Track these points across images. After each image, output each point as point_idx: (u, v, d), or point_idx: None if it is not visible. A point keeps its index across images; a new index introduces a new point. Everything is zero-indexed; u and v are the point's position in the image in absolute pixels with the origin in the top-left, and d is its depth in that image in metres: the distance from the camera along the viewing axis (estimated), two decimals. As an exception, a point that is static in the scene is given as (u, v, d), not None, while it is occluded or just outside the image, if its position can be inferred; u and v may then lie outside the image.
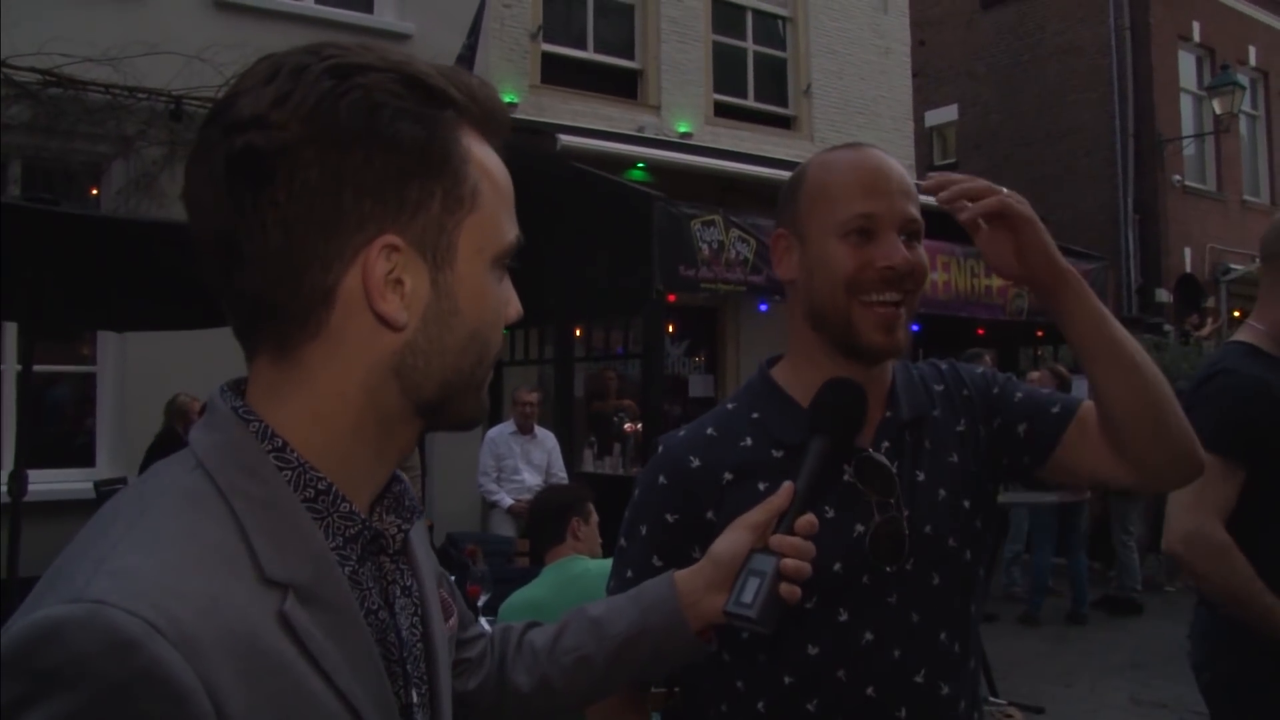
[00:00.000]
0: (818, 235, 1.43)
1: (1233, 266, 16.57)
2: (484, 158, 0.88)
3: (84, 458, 7.44)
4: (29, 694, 0.66)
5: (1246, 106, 16.72)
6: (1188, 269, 16.27)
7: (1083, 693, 6.28)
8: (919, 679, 1.41)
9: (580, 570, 3.21)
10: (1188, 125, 16.64)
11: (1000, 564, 8.43)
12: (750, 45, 11.46)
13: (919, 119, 14.47)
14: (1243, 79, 15.87)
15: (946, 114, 17.88)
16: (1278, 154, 18.38)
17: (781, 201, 1.52)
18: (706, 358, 10.84)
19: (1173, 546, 2.22)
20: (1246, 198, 17.69)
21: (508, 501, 7.26)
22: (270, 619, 0.75)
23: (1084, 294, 1.38)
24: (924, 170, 15.27)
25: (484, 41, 8.36)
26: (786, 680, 1.41)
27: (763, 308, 9.10)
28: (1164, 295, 15.70)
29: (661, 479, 1.47)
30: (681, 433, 1.54)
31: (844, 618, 1.40)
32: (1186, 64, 16.85)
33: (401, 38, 8.26)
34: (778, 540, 1.14)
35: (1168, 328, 14.00)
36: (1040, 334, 11.08)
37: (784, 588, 1.11)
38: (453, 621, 1.06)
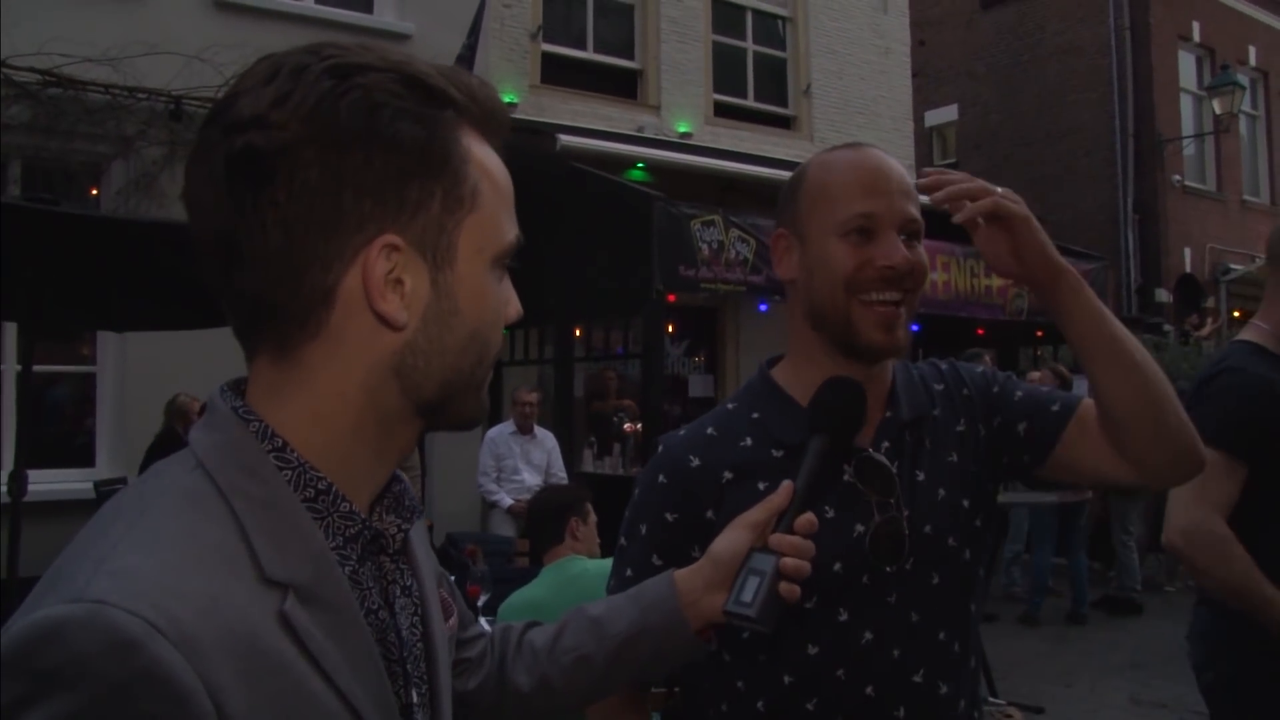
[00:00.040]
0: (818, 235, 1.43)
1: (1233, 266, 16.57)
2: (484, 158, 0.88)
3: (84, 458, 7.45)
4: (29, 694, 0.66)
5: (1246, 106, 16.72)
6: (1187, 269, 16.27)
7: (1082, 693, 6.28)
8: (918, 678, 1.41)
9: (579, 570, 3.21)
10: (1188, 125, 16.64)
11: (1000, 564, 8.43)
12: (750, 45, 11.46)
13: (919, 119, 14.48)
14: (1243, 79, 15.86)
15: (946, 114, 17.88)
16: (1278, 154, 18.37)
17: (782, 201, 1.52)
18: (706, 358, 10.84)
19: (1172, 540, 2.22)
20: (1246, 198, 17.69)
21: (507, 501, 7.26)
22: (270, 619, 0.75)
23: (1082, 292, 1.38)
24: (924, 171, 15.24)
25: (484, 41, 8.36)
26: (786, 680, 1.41)
27: (762, 308, 9.10)
28: (1164, 295, 15.70)
29: (661, 478, 1.48)
30: (682, 432, 1.54)
31: (844, 617, 1.40)
32: (1186, 64, 16.85)
33: (401, 38, 8.26)
34: (777, 539, 1.14)
35: (1167, 328, 14.00)
36: (1040, 334, 11.09)
37: (783, 586, 1.11)
38: (453, 621, 1.06)
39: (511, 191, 0.92)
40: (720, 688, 1.46)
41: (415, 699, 0.90)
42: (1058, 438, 1.48)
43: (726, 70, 11.13)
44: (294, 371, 0.83)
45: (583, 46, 10.33)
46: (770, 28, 11.70)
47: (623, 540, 1.51)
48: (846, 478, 1.42)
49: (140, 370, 7.02)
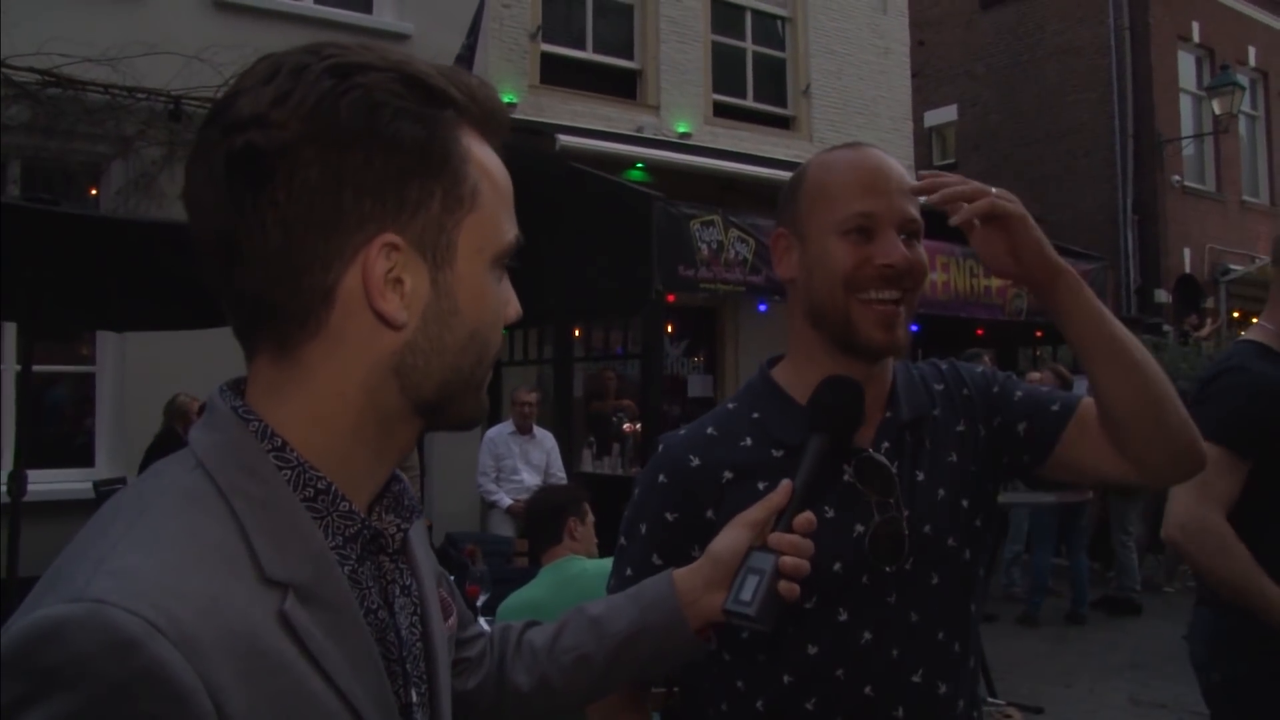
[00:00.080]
0: (817, 234, 1.44)
1: (1232, 267, 16.58)
2: (484, 157, 0.88)
3: (83, 458, 7.45)
4: (29, 693, 0.66)
5: (1246, 107, 16.72)
6: (1187, 269, 16.27)
7: (1082, 693, 6.28)
8: (917, 678, 1.41)
9: (577, 570, 3.20)
10: (1187, 125, 16.64)
11: (1000, 564, 8.44)
12: (749, 45, 11.46)
13: (918, 119, 14.48)
14: (1242, 79, 15.86)
15: (946, 114, 17.88)
16: (1277, 154, 18.37)
17: (782, 201, 1.52)
18: (705, 358, 10.84)
19: (1172, 534, 2.23)
20: (1246, 198, 17.69)
21: (506, 501, 7.26)
22: (270, 619, 0.75)
23: (1080, 291, 1.38)
24: (923, 171, 15.25)
25: (483, 41, 8.36)
26: (785, 679, 1.41)
27: (762, 308, 9.10)
28: (1163, 296, 15.70)
29: (661, 478, 1.48)
30: (682, 432, 1.54)
31: (843, 617, 1.40)
32: (1186, 64, 16.86)
33: (401, 38, 8.26)
34: (776, 538, 1.14)
35: (1167, 328, 14.00)
36: (1039, 334, 11.09)
37: (783, 585, 1.11)
38: (452, 621, 1.06)
39: (511, 191, 0.92)
40: (720, 687, 1.46)
41: (415, 698, 0.90)
42: (1058, 437, 1.48)
43: (726, 70, 11.14)
44: (293, 371, 0.83)
45: (582, 46, 10.33)
46: (770, 28, 11.71)
47: (623, 540, 1.51)
48: (846, 478, 1.42)
49: (140, 370, 7.02)
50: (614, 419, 9.33)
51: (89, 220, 4.64)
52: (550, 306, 7.67)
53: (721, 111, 10.99)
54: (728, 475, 1.44)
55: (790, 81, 11.68)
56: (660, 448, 1.52)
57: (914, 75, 13.33)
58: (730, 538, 1.16)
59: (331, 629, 0.79)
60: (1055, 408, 1.49)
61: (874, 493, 1.42)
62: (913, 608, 1.42)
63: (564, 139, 8.37)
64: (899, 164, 1.48)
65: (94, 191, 7.55)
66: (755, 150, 10.53)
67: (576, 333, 8.98)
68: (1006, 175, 15.37)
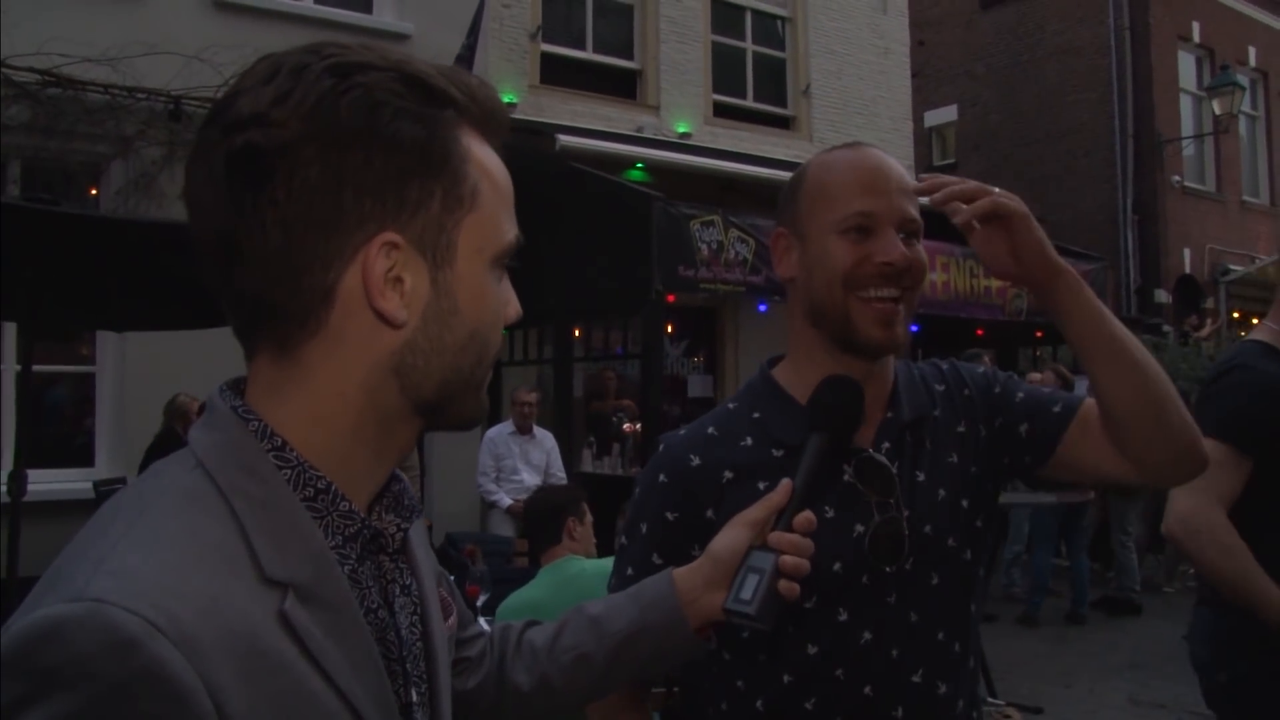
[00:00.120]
0: (817, 233, 1.44)
1: (1232, 267, 16.58)
2: (484, 157, 0.88)
3: (83, 458, 7.44)
4: (29, 693, 0.66)
5: (1246, 107, 16.72)
6: (1187, 269, 16.27)
7: (1081, 693, 6.28)
8: (916, 678, 1.41)
9: (576, 570, 3.20)
10: (1187, 125, 16.65)
11: (1000, 564, 8.44)
12: (749, 45, 11.46)
13: (918, 119, 14.48)
14: (1242, 79, 15.86)
15: (946, 114, 17.88)
16: (1277, 155, 18.37)
17: (782, 201, 1.53)
18: (705, 358, 10.84)
19: (1171, 528, 2.23)
20: (1246, 198, 17.69)
21: (506, 501, 7.26)
22: (270, 618, 0.75)
23: (1081, 291, 1.38)
24: (923, 171, 15.25)
25: (483, 41, 8.36)
26: (785, 679, 1.41)
27: (762, 308, 9.11)
28: (1163, 296, 15.70)
29: (662, 477, 1.48)
30: (682, 432, 1.54)
31: (843, 617, 1.40)
32: (1186, 64, 16.86)
33: (401, 38, 8.26)
34: (776, 537, 1.15)
35: (1167, 328, 14.00)
36: (1039, 334, 11.10)
37: (783, 584, 1.11)
38: (452, 620, 1.06)
39: (511, 191, 0.92)
40: (720, 686, 1.47)
41: (415, 698, 0.90)
42: (1059, 439, 1.48)
43: (726, 70, 11.14)
44: (293, 370, 0.83)
45: (582, 47, 10.33)
46: (769, 28, 11.71)
47: (624, 539, 1.52)
48: (846, 478, 1.42)
49: (140, 370, 7.02)
50: (614, 419, 9.33)
51: (89, 220, 4.64)
52: (550, 306, 7.67)
53: (721, 111, 10.99)
54: (728, 475, 1.44)
55: (790, 81, 11.68)
56: (661, 447, 1.52)
57: (914, 75, 13.33)
58: (730, 537, 1.16)
59: (331, 628, 0.79)
60: (1057, 409, 1.49)
61: (874, 493, 1.42)
62: (913, 608, 1.42)
63: (564, 139, 8.37)
64: (899, 164, 1.48)
65: (94, 191, 7.55)
66: (755, 150, 10.53)
67: (576, 333, 8.98)
68: (1006, 175, 15.37)
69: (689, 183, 8.88)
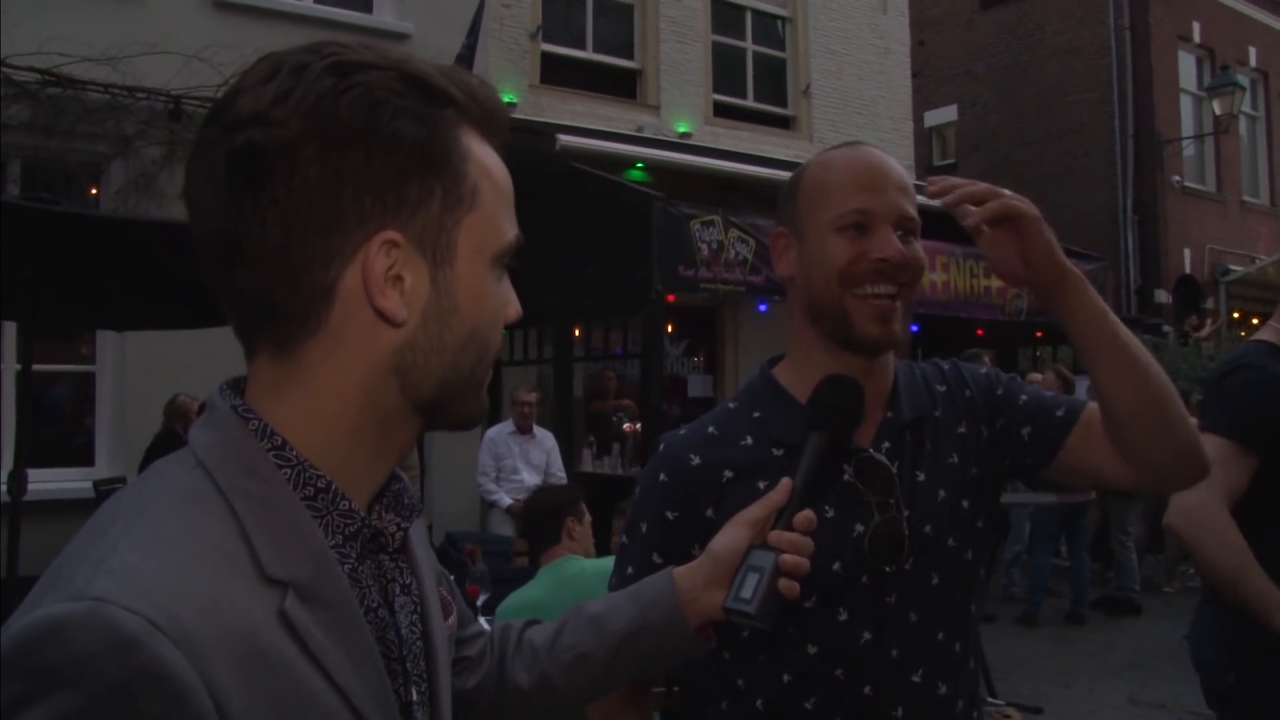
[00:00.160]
0: (815, 231, 1.45)
1: (1232, 267, 16.58)
2: (484, 157, 0.88)
3: (83, 457, 7.45)
4: (29, 693, 0.66)
5: (1246, 107, 16.72)
6: (1187, 270, 16.28)
7: (1081, 693, 6.28)
8: (916, 678, 1.41)
9: (576, 570, 3.21)
10: (1187, 126, 16.65)
11: (1000, 564, 8.44)
12: (749, 45, 11.46)
13: (918, 119, 14.48)
14: (1243, 79, 15.86)
15: (946, 114, 17.89)
16: (1277, 155, 18.38)
17: (781, 201, 1.53)
18: (705, 358, 10.84)
19: (1172, 520, 2.24)
20: (1246, 199, 17.70)
21: (506, 501, 7.26)
22: (270, 618, 0.75)
23: (1087, 293, 1.38)
24: (923, 171, 15.28)
25: (483, 41, 8.36)
26: (785, 678, 1.41)
27: (762, 308, 9.11)
28: (1163, 296, 15.71)
29: (662, 476, 1.48)
30: (683, 431, 1.54)
31: (843, 617, 1.40)
32: (1186, 64, 16.86)
33: (401, 38, 8.26)
34: (776, 536, 1.15)
35: (1167, 328, 14.01)
36: (1040, 334, 11.10)
37: (783, 583, 1.11)
38: (452, 620, 1.06)
39: (511, 191, 0.92)
40: (720, 686, 1.47)
41: (415, 697, 0.91)
42: (1062, 443, 1.48)
43: (726, 70, 11.14)
44: (293, 370, 0.83)
45: (582, 46, 10.33)
46: (770, 28, 11.71)
47: (624, 538, 1.52)
48: (846, 478, 1.42)
49: (140, 370, 7.02)
50: (614, 419, 9.33)
51: (89, 220, 4.64)
52: (550, 306, 7.67)
53: (721, 111, 10.99)
54: (728, 474, 1.44)
55: (790, 81, 11.68)
56: (661, 447, 1.52)
57: (914, 75, 13.33)
58: (730, 536, 1.17)
59: (331, 628, 0.79)
60: (1060, 413, 1.49)
61: (874, 493, 1.42)
62: (913, 608, 1.42)
63: (564, 139, 8.37)
64: (898, 163, 1.49)
65: (94, 191, 7.56)
66: (755, 150, 10.53)
67: (576, 333, 8.98)
68: (1006, 175, 15.36)
69: (689, 183, 8.88)
